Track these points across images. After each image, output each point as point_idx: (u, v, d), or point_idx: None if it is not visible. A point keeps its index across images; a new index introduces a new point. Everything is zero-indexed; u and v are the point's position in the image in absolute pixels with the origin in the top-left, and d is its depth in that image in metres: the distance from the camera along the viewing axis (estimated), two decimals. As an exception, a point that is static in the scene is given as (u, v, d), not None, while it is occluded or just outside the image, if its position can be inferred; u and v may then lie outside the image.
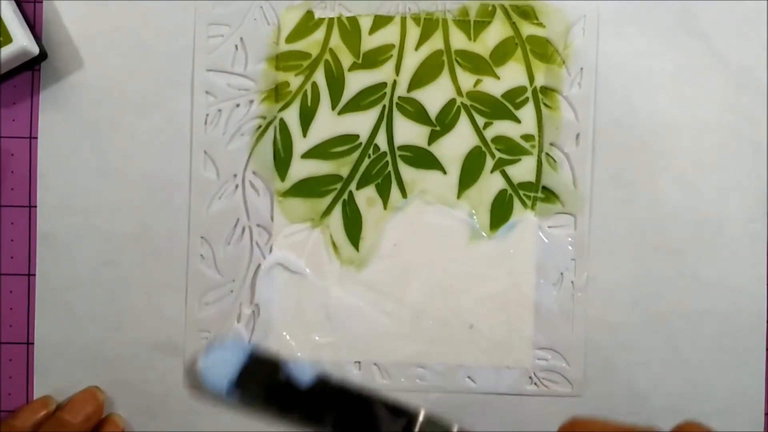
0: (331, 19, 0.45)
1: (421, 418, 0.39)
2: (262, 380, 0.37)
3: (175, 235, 0.44)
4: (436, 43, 0.45)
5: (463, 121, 0.45)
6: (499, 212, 0.45)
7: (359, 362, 0.45)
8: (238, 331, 0.44)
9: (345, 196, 0.45)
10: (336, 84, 0.45)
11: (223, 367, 0.37)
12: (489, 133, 0.45)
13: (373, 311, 0.45)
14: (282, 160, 0.45)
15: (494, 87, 0.45)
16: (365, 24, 0.45)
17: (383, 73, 0.45)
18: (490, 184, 0.45)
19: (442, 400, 0.45)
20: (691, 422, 0.34)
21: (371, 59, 0.45)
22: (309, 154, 0.45)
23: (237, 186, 0.45)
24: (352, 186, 0.45)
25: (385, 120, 0.45)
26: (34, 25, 0.44)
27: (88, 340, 0.44)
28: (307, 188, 0.45)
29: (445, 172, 0.45)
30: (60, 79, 0.44)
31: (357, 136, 0.45)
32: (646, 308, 0.45)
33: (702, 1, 0.45)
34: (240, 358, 0.37)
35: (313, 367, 0.39)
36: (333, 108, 0.45)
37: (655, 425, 0.33)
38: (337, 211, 0.45)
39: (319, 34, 0.45)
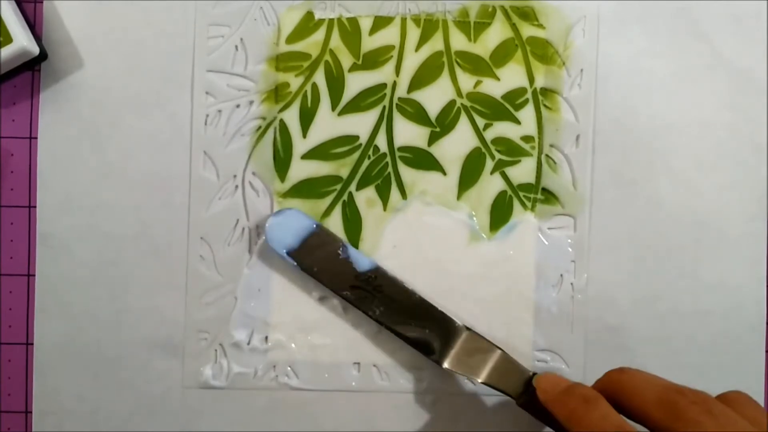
0: (331, 20, 0.45)
1: (463, 335, 0.42)
2: (323, 251, 0.43)
3: (175, 235, 0.44)
4: (436, 44, 0.45)
5: (463, 123, 0.45)
6: (499, 214, 0.45)
7: (358, 363, 0.45)
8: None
9: (345, 197, 0.45)
10: (336, 85, 0.45)
11: (287, 231, 0.43)
12: (489, 135, 0.45)
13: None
14: (282, 161, 0.45)
15: (494, 88, 0.45)
16: (365, 25, 0.45)
17: (383, 74, 0.45)
18: (490, 185, 0.45)
19: (441, 402, 0.45)
20: (739, 394, 0.35)
21: (371, 60, 0.45)
22: (309, 155, 0.45)
23: (237, 187, 0.45)
24: (352, 187, 0.45)
25: (385, 121, 0.45)
26: (34, 25, 0.44)
27: (88, 340, 0.44)
28: (306, 189, 0.45)
29: (445, 174, 0.45)
30: (60, 79, 0.44)
31: (357, 137, 0.45)
32: (646, 309, 0.45)
33: (702, 2, 0.45)
34: (305, 227, 0.43)
35: (370, 260, 0.43)
36: (333, 109, 0.45)
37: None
38: (337, 212, 0.45)
39: (320, 35, 0.45)
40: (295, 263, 0.43)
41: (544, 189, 0.45)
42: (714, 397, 0.34)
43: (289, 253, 0.43)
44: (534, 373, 0.40)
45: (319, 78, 0.45)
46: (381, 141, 0.45)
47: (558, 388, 0.37)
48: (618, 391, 0.36)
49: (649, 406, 0.34)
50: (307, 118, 0.45)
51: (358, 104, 0.45)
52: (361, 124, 0.45)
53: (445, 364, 0.42)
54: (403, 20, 0.45)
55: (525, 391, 0.41)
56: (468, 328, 0.42)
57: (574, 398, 0.36)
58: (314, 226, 0.43)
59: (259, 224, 0.44)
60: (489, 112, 0.45)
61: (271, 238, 0.43)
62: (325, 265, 0.43)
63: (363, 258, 0.43)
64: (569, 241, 0.45)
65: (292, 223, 0.43)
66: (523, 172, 0.45)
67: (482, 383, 0.41)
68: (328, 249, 0.43)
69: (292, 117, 0.45)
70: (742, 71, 0.45)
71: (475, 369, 0.41)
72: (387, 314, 0.42)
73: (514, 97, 0.45)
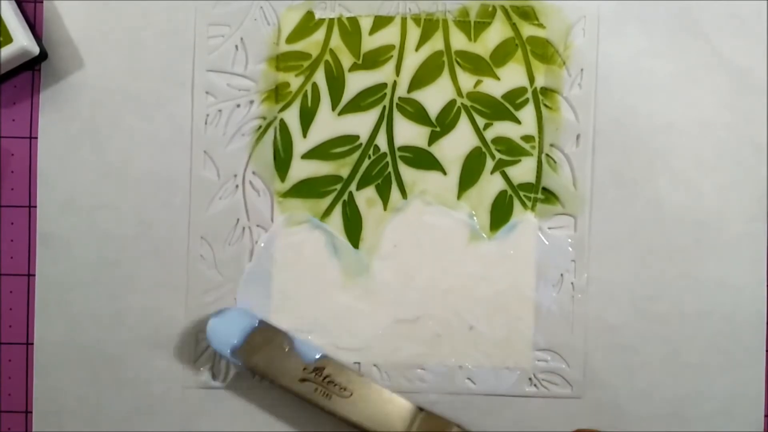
0: (331, 20, 0.45)
1: (419, 417, 0.41)
2: (268, 347, 0.42)
3: (175, 235, 0.44)
4: (436, 43, 0.45)
5: (464, 122, 0.45)
6: (499, 213, 0.45)
7: (359, 363, 0.45)
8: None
9: (345, 196, 0.45)
10: (336, 84, 0.45)
11: (229, 330, 0.42)
12: (489, 134, 0.45)
13: (372, 312, 0.44)
14: (282, 161, 0.45)
15: (494, 88, 0.45)
16: (365, 24, 0.45)
17: (383, 74, 0.45)
18: (490, 185, 0.45)
19: (441, 402, 0.45)
20: None
21: (371, 60, 0.45)
22: (309, 155, 0.45)
23: (237, 186, 0.45)
24: (352, 187, 0.45)
25: (386, 121, 0.45)
26: (34, 25, 0.44)
27: (88, 340, 0.44)
28: (307, 189, 0.45)
29: (445, 173, 0.45)
30: (60, 79, 0.44)
31: (357, 137, 0.45)
32: (646, 309, 0.45)
33: (702, 2, 0.45)
34: (248, 325, 0.42)
35: (317, 348, 0.41)
36: (333, 108, 0.45)
37: None
38: (337, 211, 0.45)
39: (320, 35, 0.45)
40: (240, 363, 0.42)
41: (544, 188, 0.45)
42: None
43: (233, 353, 0.42)
44: None
45: (320, 78, 0.45)
46: (381, 141, 0.45)
47: None
48: None
49: None
50: (307, 118, 0.45)
51: (359, 104, 0.45)
52: (361, 123, 0.45)
53: None
54: (404, 20, 0.45)
55: None
56: (421, 409, 0.42)
57: None
58: (257, 322, 0.43)
59: (260, 224, 0.44)
60: (489, 112, 0.45)
61: (213, 339, 0.42)
62: (272, 362, 0.42)
63: (309, 348, 0.43)
64: (569, 240, 0.45)
65: (234, 322, 0.43)
66: (523, 171, 0.45)
67: None
68: (274, 344, 0.43)
69: (292, 117, 0.45)
70: (742, 71, 0.45)
71: None
72: (339, 404, 0.42)
73: (515, 97, 0.45)
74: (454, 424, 0.42)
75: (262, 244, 0.44)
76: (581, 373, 0.45)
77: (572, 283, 0.45)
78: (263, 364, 0.42)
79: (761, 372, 0.45)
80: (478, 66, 0.45)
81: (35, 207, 0.44)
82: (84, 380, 0.44)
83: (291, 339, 0.43)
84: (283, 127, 0.45)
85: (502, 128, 0.45)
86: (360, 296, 0.44)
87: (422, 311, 0.44)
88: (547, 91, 0.45)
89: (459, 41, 0.45)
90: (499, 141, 0.45)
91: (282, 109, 0.45)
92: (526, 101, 0.45)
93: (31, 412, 0.44)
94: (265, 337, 0.43)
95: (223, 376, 0.44)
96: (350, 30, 0.45)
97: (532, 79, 0.45)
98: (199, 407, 0.44)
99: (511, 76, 0.45)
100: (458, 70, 0.45)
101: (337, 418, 0.42)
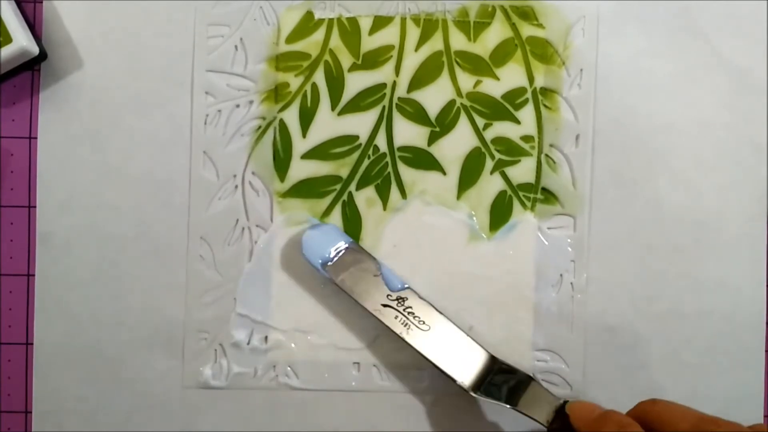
0: (330, 20, 0.45)
1: (492, 363, 0.42)
2: (356, 268, 0.43)
3: (174, 235, 0.44)
4: (435, 43, 0.45)
5: (463, 122, 0.45)
6: (499, 213, 0.45)
7: (358, 363, 0.45)
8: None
9: (345, 196, 0.45)
10: (336, 85, 0.45)
11: (324, 244, 0.43)
12: (489, 134, 0.45)
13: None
14: (282, 161, 0.45)
15: (494, 88, 0.45)
16: (365, 25, 0.45)
17: (383, 74, 0.45)
18: (490, 185, 0.45)
19: (441, 402, 0.45)
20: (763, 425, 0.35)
21: (371, 60, 0.45)
22: (309, 155, 0.45)
23: (236, 186, 0.45)
24: (352, 187, 0.45)
25: (385, 121, 0.45)
26: (34, 25, 0.44)
27: (88, 340, 0.44)
28: (306, 189, 0.45)
29: (444, 173, 0.45)
30: (60, 79, 0.44)
31: (357, 137, 0.45)
32: (646, 309, 0.45)
33: (702, 2, 0.45)
34: (340, 242, 0.43)
35: (403, 281, 0.43)
36: (333, 109, 0.45)
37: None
38: (337, 211, 0.45)
39: (319, 35, 0.45)
40: (328, 276, 0.42)
41: (543, 189, 0.45)
42: (746, 427, 0.35)
43: (323, 266, 0.42)
44: (565, 401, 0.40)
45: (319, 78, 0.45)
46: (381, 141, 0.45)
47: (592, 415, 0.38)
48: (652, 421, 0.36)
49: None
50: (306, 118, 0.45)
51: (358, 104, 0.45)
52: (360, 123, 0.45)
53: (476, 393, 0.41)
54: (403, 20, 0.45)
55: (556, 417, 0.40)
56: (495, 359, 0.42)
57: (609, 425, 0.36)
58: (349, 242, 0.43)
59: (259, 224, 0.44)
60: (489, 112, 0.45)
61: (307, 250, 0.43)
62: (357, 282, 0.42)
63: (396, 278, 0.43)
64: (569, 240, 0.45)
65: (329, 237, 0.43)
66: (522, 171, 0.45)
67: (514, 408, 0.41)
68: (362, 266, 0.43)
69: (291, 117, 0.45)
70: (742, 71, 0.45)
71: (507, 397, 0.41)
72: (416, 336, 0.42)
73: (514, 97, 0.45)
74: (525, 375, 0.41)
75: (262, 245, 0.44)
76: (581, 373, 0.45)
77: (572, 283, 0.45)
78: (350, 283, 0.42)
79: (761, 372, 0.45)
80: (478, 66, 0.45)
81: (35, 207, 0.44)
82: (84, 380, 0.44)
83: (379, 265, 0.43)
84: (283, 127, 0.45)
85: (501, 128, 0.45)
86: (360, 296, 0.45)
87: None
88: (546, 92, 0.45)
89: (458, 41, 0.45)
90: (499, 141, 0.45)
91: (281, 110, 0.45)
92: (526, 101, 0.45)
93: (31, 412, 0.44)
94: (355, 258, 0.43)
95: (223, 376, 0.44)
96: (350, 30, 0.45)
97: (531, 80, 0.45)
98: (198, 407, 0.44)
99: (511, 76, 0.45)
100: (458, 71, 0.45)
101: (412, 348, 0.42)
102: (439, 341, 0.42)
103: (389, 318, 0.42)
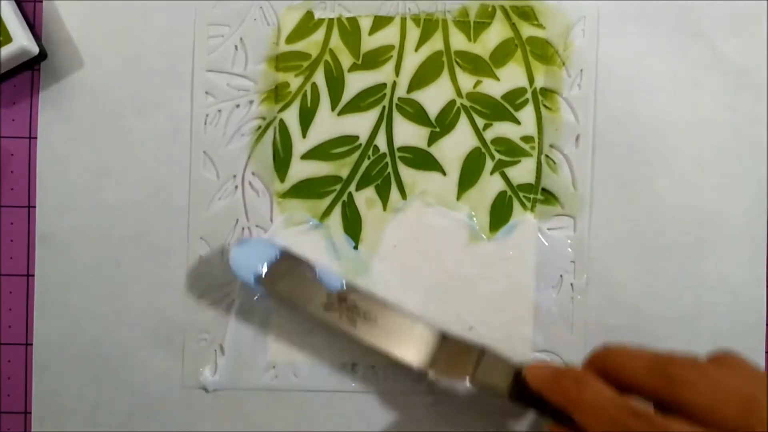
0: (331, 20, 0.45)
1: (443, 340, 0.41)
2: (291, 277, 0.42)
3: (175, 235, 0.44)
4: (435, 44, 0.45)
5: (463, 123, 0.45)
6: (499, 214, 0.45)
7: (358, 364, 0.45)
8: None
9: (344, 197, 0.45)
10: (336, 85, 0.45)
11: (252, 259, 0.42)
12: (489, 135, 0.45)
13: (372, 312, 0.45)
14: (281, 161, 0.45)
15: (494, 88, 0.45)
16: (365, 25, 0.45)
17: (383, 74, 0.45)
18: (490, 185, 0.45)
19: (441, 401, 0.45)
20: (728, 354, 0.35)
21: (371, 60, 0.45)
22: (308, 155, 0.45)
23: (236, 186, 0.45)
24: (352, 187, 0.45)
25: (385, 121, 0.45)
26: (33, 24, 0.44)
27: (87, 340, 0.44)
28: (306, 189, 0.45)
29: (444, 174, 0.45)
30: (60, 79, 0.44)
31: (357, 137, 0.45)
32: (646, 310, 0.45)
33: (702, 2, 0.45)
34: (270, 253, 0.42)
35: (340, 278, 0.42)
36: (333, 109, 0.45)
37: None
38: (337, 212, 0.45)
39: (319, 35, 0.45)
40: (265, 291, 0.42)
41: (543, 189, 0.45)
42: (705, 357, 0.35)
43: (257, 281, 0.42)
44: (520, 365, 0.40)
45: (319, 78, 0.45)
46: (381, 141, 0.45)
47: (548, 375, 0.37)
48: (607, 367, 0.36)
49: (642, 377, 0.34)
50: (306, 118, 0.45)
51: (358, 104, 0.45)
52: (360, 124, 0.45)
53: (431, 373, 0.41)
54: (403, 20, 0.45)
55: (514, 383, 0.40)
56: (444, 336, 0.42)
57: (565, 381, 0.36)
58: (279, 251, 0.42)
59: (259, 224, 0.44)
60: (489, 112, 0.45)
61: (236, 268, 0.42)
62: (295, 290, 0.42)
63: (333, 278, 0.42)
64: (569, 241, 0.45)
65: (257, 251, 0.42)
66: (522, 172, 0.45)
67: (472, 385, 0.41)
68: (297, 272, 0.42)
69: (291, 117, 0.45)
70: (743, 71, 0.45)
71: (462, 371, 0.41)
72: (364, 331, 0.42)
73: (514, 97, 0.45)
74: (478, 347, 0.41)
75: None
76: (581, 374, 0.45)
77: (572, 284, 0.45)
78: (288, 292, 0.42)
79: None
80: (478, 66, 0.45)
81: (35, 207, 0.44)
82: (84, 380, 0.44)
83: (314, 268, 0.42)
84: (283, 127, 0.45)
85: (501, 129, 0.45)
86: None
87: (422, 312, 0.44)
88: (546, 92, 0.45)
89: (458, 41, 0.45)
90: (499, 141, 0.45)
91: (281, 110, 0.45)
92: (526, 102, 0.45)
93: (31, 413, 0.44)
94: (288, 265, 0.42)
95: (223, 376, 0.44)
96: (350, 30, 0.45)
97: (531, 80, 0.45)
98: (198, 407, 0.44)
99: (511, 76, 0.45)
100: (458, 71, 0.45)
101: (363, 343, 0.42)
102: (387, 330, 0.42)
103: (334, 319, 0.42)
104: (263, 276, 0.42)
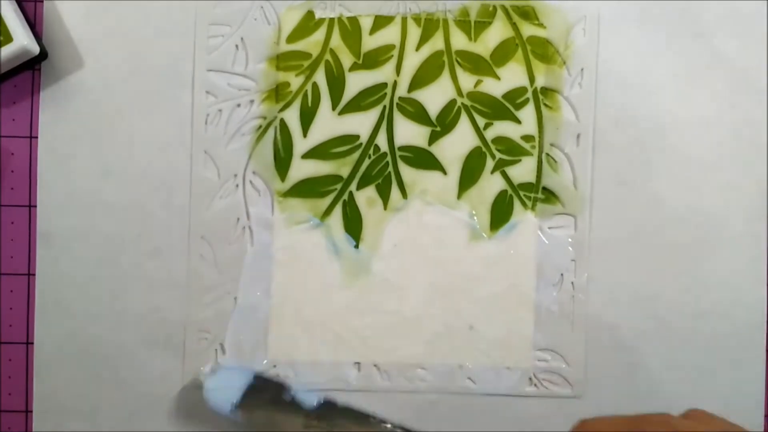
0: (331, 20, 0.45)
1: None
2: (266, 401, 0.41)
3: (175, 235, 0.44)
4: (436, 43, 0.45)
5: (464, 122, 0.45)
6: (500, 213, 0.45)
7: (359, 363, 0.45)
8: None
9: (345, 196, 0.45)
10: (336, 84, 0.45)
11: (227, 389, 0.41)
12: (489, 134, 0.45)
13: (372, 312, 0.44)
14: (282, 161, 0.45)
15: (495, 87, 0.45)
16: (366, 24, 0.45)
17: (384, 74, 0.45)
18: (491, 184, 0.45)
19: (441, 402, 0.45)
20: (698, 410, 0.35)
21: (372, 59, 0.45)
22: (309, 155, 0.45)
23: (237, 186, 0.44)
24: (353, 186, 0.45)
25: (386, 120, 0.45)
26: (34, 24, 0.44)
27: (88, 339, 0.44)
28: (307, 188, 0.45)
29: (445, 173, 0.45)
30: (60, 78, 0.44)
31: (357, 137, 0.45)
32: (647, 309, 0.45)
33: (702, 1, 0.45)
34: (244, 380, 0.41)
35: (317, 392, 0.40)
36: (333, 108, 0.45)
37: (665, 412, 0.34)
38: (338, 211, 0.45)
39: (320, 35, 0.45)
40: (241, 421, 0.41)
41: (544, 188, 0.45)
42: (678, 416, 0.35)
43: (233, 411, 0.41)
44: None
45: (320, 77, 0.45)
46: (381, 140, 0.45)
47: None
48: None
49: None
50: (307, 118, 0.45)
51: (359, 104, 0.45)
52: (361, 123, 0.45)
53: None
54: (404, 19, 0.45)
55: None
56: None
57: None
58: (252, 377, 0.42)
59: (260, 224, 0.44)
60: (489, 112, 0.45)
61: (213, 399, 0.41)
62: (273, 415, 0.41)
63: (309, 396, 0.42)
64: (569, 240, 0.45)
65: (231, 379, 0.42)
66: (523, 171, 0.45)
67: None
68: (273, 396, 0.42)
69: (292, 116, 0.45)
70: (743, 71, 0.45)
71: None
72: None
73: (515, 97, 0.45)
74: None
75: (262, 244, 0.44)
76: (582, 373, 0.45)
77: (572, 283, 0.45)
78: (264, 419, 0.41)
79: (761, 372, 0.45)
80: (479, 66, 0.45)
81: (35, 206, 0.44)
82: (84, 380, 0.44)
83: (289, 389, 0.42)
84: (284, 126, 0.45)
85: (502, 128, 0.45)
86: (360, 296, 0.44)
87: (422, 311, 0.44)
88: (547, 91, 0.45)
89: (459, 41, 0.45)
90: (500, 141, 0.45)
91: (282, 109, 0.45)
92: (527, 101, 0.45)
93: (31, 412, 0.44)
94: (263, 390, 0.42)
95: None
96: (350, 30, 0.45)
97: (532, 79, 0.45)
98: (198, 407, 0.44)
99: (512, 75, 0.45)
100: (458, 70, 0.45)
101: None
102: None
103: None
104: (238, 405, 0.41)
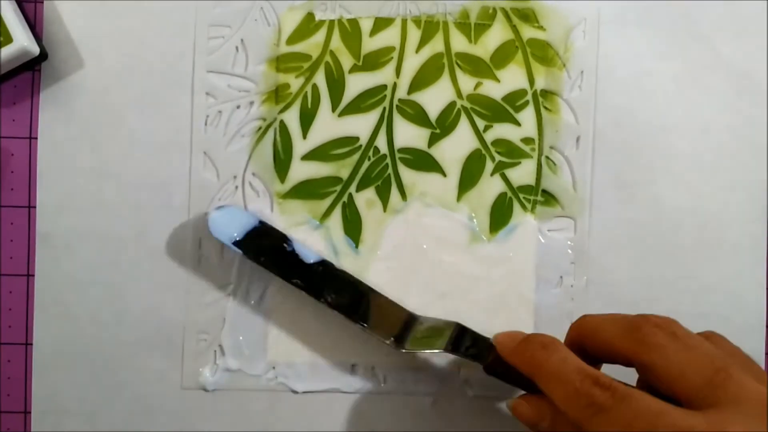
0: (331, 21, 0.45)
1: (416, 320, 0.42)
2: (268, 244, 0.42)
3: (175, 235, 0.44)
4: (436, 45, 0.45)
5: (463, 124, 0.45)
6: (499, 215, 0.45)
7: (357, 364, 0.45)
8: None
9: (345, 198, 0.45)
10: (336, 86, 0.44)
11: (231, 224, 0.42)
12: (489, 136, 0.45)
13: (372, 313, 0.45)
14: (282, 162, 0.45)
15: (494, 90, 0.45)
16: (366, 26, 0.45)
17: (383, 76, 0.45)
18: (490, 187, 0.45)
19: (439, 403, 0.45)
20: (714, 332, 0.34)
21: (372, 61, 0.45)
22: (309, 156, 0.45)
23: (237, 187, 0.45)
24: (352, 188, 0.45)
25: (386, 122, 0.45)
26: (34, 25, 0.44)
27: (88, 340, 0.44)
28: (306, 190, 0.45)
29: (445, 175, 0.45)
30: (60, 79, 0.44)
31: (357, 139, 0.45)
32: (646, 311, 0.45)
33: (702, 3, 0.45)
34: (249, 221, 0.43)
35: (316, 253, 0.43)
36: (333, 110, 0.45)
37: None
38: (337, 213, 0.45)
39: (320, 36, 0.45)
40: (241, 252, 0.42)
41: (544, 191, 0.45)
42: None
43: (234, 244, 0.42)
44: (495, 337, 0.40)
45: (320, 79, 0.45)
46: (381, 142, 0.45)
47: (516, 341, 0.37)
48: (582, 334, 0.36)
49: (615, 341, 0.34)
50: (307, 119, 0.45)
51: (359, 105, 0.45)
52: (361, 125, 0.45)
53: (405, 347, 0.41)
54: (404, 21, 0.45)
55: (489, 356, 0.40)
56: (414, 315, 0.42)
57: (532, 346, 0.35)
58: (257, 222, 0.43)
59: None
60: (489, 114, 0.45)
61: (215, 230, 0.42)
62: (272, 256, 0.42)
63: (309, 252, 0.43)
64: (569, 243, 0.45)
65: (235, 218, 0.43)
66: (523, 173, 0.45)
67: (444, 351, 0.40)
68: (274, 241, 0.43)
69: (292, 118, 0.45)
70: (743, 73, 0.45)
71: (434, 344, 0.41)
72: (339, 300, 0.42)
73: (515, 99, 0.45)
74: (452, 323, 0.41)
75: (262, 245, 0.45)
76: (580, 376, 0.45)
77: (572, 286, 0.45)
78: (265, 257, 0.42)
79: (761, 373, 0.45)
80: (479, 68, 0.45)
81: (35, 207, 0.44)
82: (84, 380, 0.44)
83: (290, 241, 0.43)
84: (283, 128, 0.45)
85: (502, 130, 0.45)
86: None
87: (422, 313, 0.44)
88: (547, 93, 0.45)
89: (459, 43, 0.45)
90: (499, 143, 0.45)
91: (282, 111, 0.45)
92: (526, 103, 0.45)
93: (31, 412, 0.44)
94: (266, 233, 0.43)
95: (222, 377, 0.44)
96: (350, 31, 0.45)
97: (532, 81, 0.45)
98: (198, 408, 0.44)
99: (511, 78, 0.45)
100: (458, 72, 0.45)
101: (338, 311, 0.42)
102: (360, 306, 0.42)
103: (310, 287, 0.42)
104: (241, 240, 0.42)
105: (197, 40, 0.44)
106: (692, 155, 0.45)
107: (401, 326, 0.42)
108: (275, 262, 0.42)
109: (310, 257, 0.43)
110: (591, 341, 0.35)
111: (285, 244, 0.43)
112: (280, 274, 0.42)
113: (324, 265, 0.43)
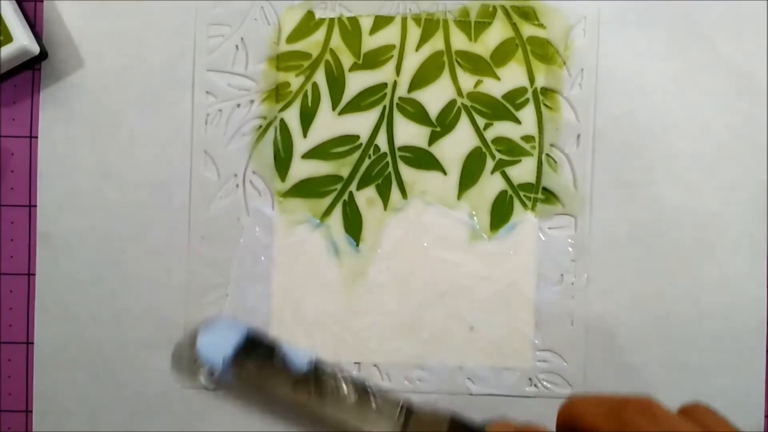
0: (331, 20, 0.45)
1: (412, 412, 0.40)
2: (257, 360, 0.40)
3: (175, 235, 0.44)
4: (436, 43, 0.45)
5: (464, 122, 0.45)
6: (500, 213, 0.45)
7: (359, 363, 0.45)
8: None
9: (345, 196, 0.45)
10: (336, 84, 0.45)
11: (219, 345, 0.40)
12: (489, 134, 0.45)
13: (372, 312, 0.45)
14: (282, 161, 0.45)
15: (495, 88, 0.45)
16: (366, 24, 0.45)
17: (384, 74, 0.45)
18: (491, 185, 0.45)
19: (441, 402, 0.45)
20: (699, 405, 0.35)
21: (372, 60, 0.45)
22: (309, 155, 0.45)
23: (237, 186, 0.45)
24: (353, 186, 0.45)
25: (386, 120, 0.45)
26: (34, 24, 0.44)
27: (88, 340, 0.44)
28: (307, 189, 0.45)
29: (445, 173, 0.45)
30: (60, 78, 0.44)
31: (357, 137, 0.45)
32: (647, 309, 0.45)
33: (702, 3, 0.45)
34: (237, 337, 0.40)
35: (308, 354, 0.40)
36: (333, 108, 0.45)
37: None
38: (338, 211, 0.45)
39: (320, 35, 0.45)
40: (232, 375, 0.40)
41: (544, 189, 0.45)
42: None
43: (224, 365, 0.40)
44: (485, 424, 0.40)
45: (320, 77, 0.45)
46: (381, 140, 0.45)
47: (509, 430, 0.37)
48: (571, 418, 0.36)
49: (599, 421, 0.34)
50: (307, 118, 0.45)
51: (359, 104, 0.45)
52: (361, 123, 0.45)
53: None
54: (404, 20, 0.45)
55: None
56: (409, 407, 0.40)
57: None
58: (246, 332, 0.40)
59: (260, 224, 0.44)
60: (489, 112, 0.45)
61: (205, 353, 0.40)
62: (263, 372, 0.40)
63: (301, 356, 0.40)
64: (569, 240, 0.45)
65: (224, 335, 0.40)
66: (523, 171, 0.45)
67: None
68: (264, 355, 0.40)
69: (292, 116, 0.45)
70: (743, 72, 0.45)
71: None
72: (333, 409, 0.39)
73: (515, 97, 0.45)
74: (447, 414, 0.41)
75: (262, 245, 0.44)
76: (582, 373, 0.45)
77: (572, 283, 0.45)
78: (256, 375, 0.40)
79: (761, 372, 0.45)
80: (479, 66, 0.45)
81: (35, 206, 0.44)
82: (84, 380, 0.44)
83: (281, 350, 0.42)
84: (284, 126, 0.45)
85: (502, 128, 0.45)
86: (360, 296, 0.44)
87: (422, 311, 0.44)
88: (547, 91, 0.45)
89: (459, 41, 0.45)
90: (500, 141, 0.45)
91: (282, 109, 0.45)
92: (527, 101, 0.45)
93: (31, 412, 0.44)
94: (255, 348, 0.42)
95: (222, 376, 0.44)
96: (350, 30, 0.45)
97: (532, 79, 0.45)
98: (198, 408, 0.44)
99: (512, 76, 0.45)
100: (458, 70, 0.45)
101: (331, 421, 0.41)
102: (356, 407, 0.40)
103: (303, 398, 0.40)
104: (231, 360, 0.40)
105: (197, 40, 0.45)
106: (692, 155, 0.45)
107: (398, 419, 0.41)
108: (268, 378, 0.40)
109: (302, 362, 0.40)
110: (580, 425, 0.36)
111: (275, 355, 0.40)
112: (273, 390, 0.39)
113: (318, 370, 0.40)
